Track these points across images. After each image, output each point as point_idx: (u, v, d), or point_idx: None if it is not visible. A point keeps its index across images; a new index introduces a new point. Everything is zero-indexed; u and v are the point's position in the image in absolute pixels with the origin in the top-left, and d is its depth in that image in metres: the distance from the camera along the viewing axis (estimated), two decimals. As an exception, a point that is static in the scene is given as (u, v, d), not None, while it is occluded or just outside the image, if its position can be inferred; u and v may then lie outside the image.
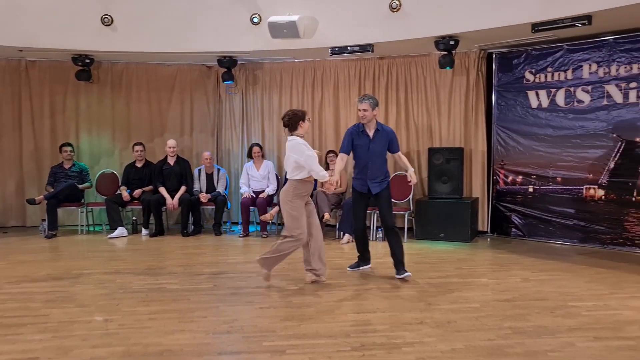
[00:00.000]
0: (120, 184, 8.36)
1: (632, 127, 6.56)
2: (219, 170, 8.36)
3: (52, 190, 7.90)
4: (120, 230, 7.82)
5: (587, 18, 5.96)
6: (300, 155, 4.80)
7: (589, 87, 6.89)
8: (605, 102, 6.76)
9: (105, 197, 8.21)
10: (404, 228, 7.51)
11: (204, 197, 8.01)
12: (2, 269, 5.79)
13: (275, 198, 8.27)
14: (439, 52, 7.43)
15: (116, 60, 8.73)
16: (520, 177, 7.51)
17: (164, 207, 8.04)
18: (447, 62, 7.34)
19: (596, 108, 6.84)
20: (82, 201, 8.25)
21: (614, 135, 6.70)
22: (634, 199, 6.56)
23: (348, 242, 7.25)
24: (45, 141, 8.62)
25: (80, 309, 4.33)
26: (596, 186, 6.88)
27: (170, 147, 8.15)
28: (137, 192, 8.07)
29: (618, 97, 6.66)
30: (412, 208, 7.80)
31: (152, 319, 4.09)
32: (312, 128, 8.70)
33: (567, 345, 3.53)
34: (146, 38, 7.83)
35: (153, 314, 4.19)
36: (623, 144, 6.64)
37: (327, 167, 8.01)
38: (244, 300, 4.58)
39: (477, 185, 7.86)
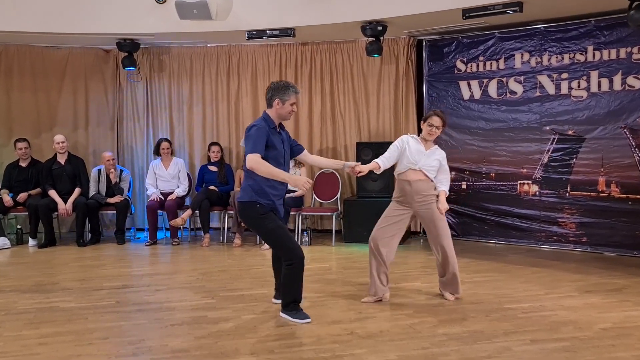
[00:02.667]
0: (0, 187, 7.88)
1: (565, 120, 6.98)
2: (121, 171, 8.06)
3: None
4: (2, 241, 7.40)
5: (519, 5, 6.29)
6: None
7: (522, 78, 7.27)
8: (537, 93, 7.16)
9: (-18, 202, 7.72)
10: (331, 230, 7.60)
11: (116, 199, 7.76)
12: None
13: (187, 200, 8.11)
14: (366, 39, 7.56)
15: (-7, 42, 8.23)
16: (453, 173, 7.74)
17: (55, 213, 7.67)
18: (374, 49, 7.48)
19: (529, 100, 7.22)
20: (-47, 208, 7.71)
21: (547, 128, 7.11)
22: (567, 194, 7.00)
23: (270, 248, 7.23)
24: None
25: (-47, 336, 4.05)
26: (530, 181, 7.27)
27: (58, 143, 7.79)
28: (21, 196, 7.65)
29: (550, 89, 7.07)
30: (340, 208, 7.90)
31: (42, 343, 3.88)
32: (228, 120, 8.62)
33: (504, 350, 3.71)
34: (29, 16, 7.40)
35: (43, 338, 3.98)
36: (556, 138, 7.06)
37: (245, 165, 7.95)
38: (151, 317, 4.46)
39: (408, 183, 8.05)
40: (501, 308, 4.63)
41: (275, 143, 4.28)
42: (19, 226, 7.92)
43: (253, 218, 4.30)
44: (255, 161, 4.13)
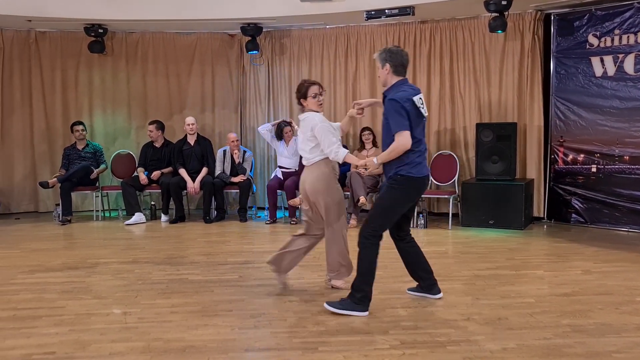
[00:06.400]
0: (137, 165, 8.53)
1: None
2: (244, 152, 8.42)
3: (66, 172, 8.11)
4: (138, 216, 7.99)
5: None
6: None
7: (664, 52, 6.68)
8: (682, 68, 6.56)
9: (122, 180, 8.38)
10: (448, 213, 7.47)
11: (239, 179, 8.10)
12: (15, 257, 6.00)
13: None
14: (489, 14, 7.28)
15: (131, 30, 8.85)
16: (582, 155, 7.36)
17: (185, 191, 8.17)
18: (498, 25, 7.20)
19: (671, 76, 6.64)
20: (97, 185, 8.45)
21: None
22: None
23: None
24: (57, 119, 8.84)
25: (98, 301, 4.47)
26: (670, 165, 6.71)
27: (188, 125, 8.25)
28: (155, 174, 8.21)
29: (698, 63, 6.44)
30: (457, 191, 7.74)
31: (174, 312, 4.19)
32: (345, 102, 8.67)
33: (635, 345, 3.49)
34: (162, 5, 7.91)
35: (174, 307, 4.29)
36: (703, 117, 6.44)
37: (362, 146, 7.99)
38: (272, 293, 4.64)
39: (532, 166, 7.74)
40: (633, 301, 4.34)
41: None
42: (152, 202, 8.54)
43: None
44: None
